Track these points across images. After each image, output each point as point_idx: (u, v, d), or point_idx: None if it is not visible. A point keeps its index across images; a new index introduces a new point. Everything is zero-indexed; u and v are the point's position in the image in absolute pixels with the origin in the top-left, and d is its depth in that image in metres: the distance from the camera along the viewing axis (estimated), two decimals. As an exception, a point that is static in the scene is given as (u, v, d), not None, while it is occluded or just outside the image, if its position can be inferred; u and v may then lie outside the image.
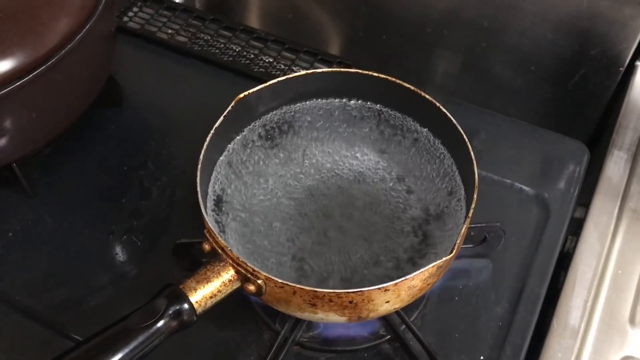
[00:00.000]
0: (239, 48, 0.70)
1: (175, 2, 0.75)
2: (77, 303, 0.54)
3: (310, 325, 0.51)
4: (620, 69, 0.67)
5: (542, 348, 0.50)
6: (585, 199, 0.60)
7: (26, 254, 0.57)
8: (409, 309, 0.51)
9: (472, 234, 0.54)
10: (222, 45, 0.71)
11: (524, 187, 0.60)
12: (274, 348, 0.48)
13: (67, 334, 0.52)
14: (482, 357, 0.50)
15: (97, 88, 0.60)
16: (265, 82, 0.52)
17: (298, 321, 0.50)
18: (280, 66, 0.69)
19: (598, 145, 0.69)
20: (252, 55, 0.70)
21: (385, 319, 0.50)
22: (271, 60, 0.69)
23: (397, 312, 0.49)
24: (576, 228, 0.58)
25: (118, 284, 0.55)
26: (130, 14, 0.74)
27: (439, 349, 0.48)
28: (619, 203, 0.58)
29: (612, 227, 0.56)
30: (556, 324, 0.51)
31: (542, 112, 0.75)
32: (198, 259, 0.51)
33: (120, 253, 0.57)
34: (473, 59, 0.75)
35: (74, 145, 0.63)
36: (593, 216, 0.57)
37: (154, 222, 0.59)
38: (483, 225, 0.53)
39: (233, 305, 0.53)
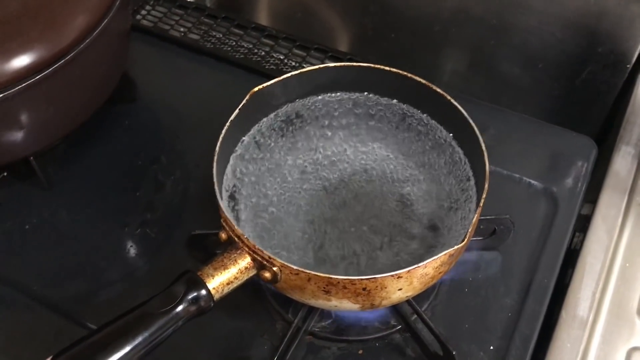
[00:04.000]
0: (251, 45, 0.72)
1: (187, 1, 0.76)
2: (92, 294, 0.55)
3: (323, 315, 0.52)
4: (628, 65, 0.68)
5: (551, 338, 0.51)
6: (592, 195, 0.60)
7: (42, 245, 0.58)
8: (419, 299, 0.52)
9: (481, 227, 0.54)
10: (234, 43, 0.72)
11: (533, 182, 0.61)
12: (287, 337, 0.49)
13: (84, 324, 0.52)
14: (491, 347, 0.51)
15: (112, 84, 0.62)
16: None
17: (310, 311, 0.51)
18: (291, 63, 0.70)
19: (606, 141, 0.69)
20: (263, 53, 0.71)
21: (396, 310, 0.51)
22: (282, 57, 0.70)
23: (408, 302, 0.50)
24: (584, 224, 0.59)
25: (132, 276, 0.56)
26: (143, 12, 0.75)
27: (449, 339, 0.49)
28: (626, 197, 0.58)
29: (619, 220, 0.57)
30: (565, 315, 0.52)
31: (550, 109, 0.76)
32: (212, 251, 0.52)
33: (134, 245, 0.58)
34: (481, 56, 0.75)
35: (89, 139, 0.64)
36: (601, 210, 0.58)
37: (168, 215, 0.60)
38: (493, 217, 0.53)
39: (247, 296, 0.53)
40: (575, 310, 0.52)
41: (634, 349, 0.50)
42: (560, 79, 0.73)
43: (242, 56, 0.70)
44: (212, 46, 0.71)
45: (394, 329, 0.52)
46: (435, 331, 0.49)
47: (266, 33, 0.72)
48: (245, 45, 0.72)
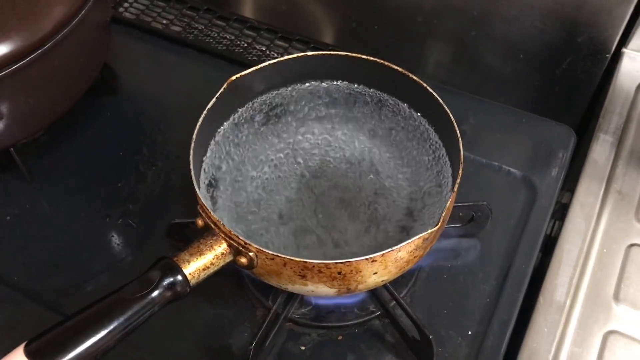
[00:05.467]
0: (233, 37, 0.72)
1: (170, -7, 0.76)
2: (74, 284, 0.55)
3: (302, 302, 0.52)
4: (607, 55, 0.68)
5: (528, 323, 0.51)
6: (571, 184, 0.61)
7: (24, 237, 0.58)
8: (398, 286, 0.53)
9: (460, 214, 0.55)
10: (216, 35, 0.72)
11: (512, 170, 0.61)
12: (266, 324, 0.49)
13: (66, 314, 0.52)
14: (470, 332, 0.51)
15: (92, 75, 0.62)
16: (258, 66, 0.53)
17: (290, 298, 0.51)
18: (273, 54, 0.70)
19: (585, 131, 0.70)
20: (245, 44, 0.71)
21: (375, 295, 0.51)
22: (264, 48, 0.71)
23: (386, 288, 0.50)
24: (562, 212, 0.59)
25: (115, 266, 0.56)
26: (126, 4, 0.75)
27: (427, 325, 0.49)
28: (604, 185, 0.59)
29: (597, 207, 0.58)
30: (542, 300, 0.52)
31: (531, 99, 0.76)
32: (192, 239, 0.52)
33: (116, 236, 0.58)
34: (463, 47, 0.76)
35: (71, 131, 0.64)
36: (579, 197, 0.58)
37: (150, 205, 0.60)
38: (470, 204, 0.54)
39: (227, 284, 0.54)
40: (553, 296, 0.52)
41: (610, 332, 0.51)
42: (541, 69, 0.73)
43: (224, 48, 0.71)
44: (194, 38, 0.72)
45: (373, 315, 0.52)
46: (413, 317, 0.49)
47: (248, 25, 0.73)
48: (228, 37, 0.72)
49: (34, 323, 0.53)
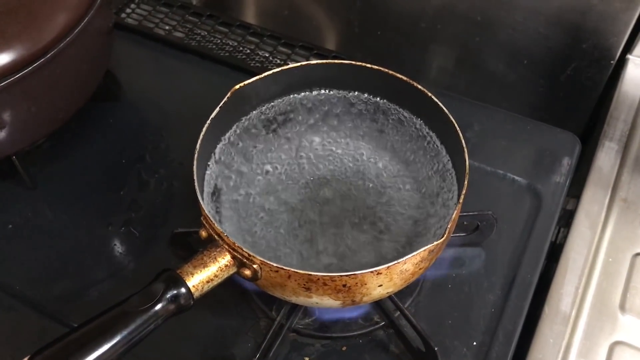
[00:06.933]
0: (236, 43, 0.71)
1: (172, -1, 0.76)
2: (76, 293, 0.55)
3: (306, 312, 0.52)
4: (612, 62, 0.68)
5: (534, 334, 0.51)
6: (576, 191, 0.61)
7: (26, 245, 0.58)
8: (403, 296, 0.52)
9: (464, 223, 0.54)
10: (219, 41, 0.72)
11: (517, 178, 0.61)
12: (270, 334, 0.49)
13: (68, 323, 0.52)
14: (475, 343, 0.51)
15: (95, 82, 0.61)
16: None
17: (294, 308, 0.51)
18: (276, 60, 0.70)
19: (590, 138, 0.69)
20: (248, 50, 0.71)
21: (379, 306, 0.51)
22: (267, 55, 0.70)
23: (391, 299, 0.50)
24: (567, 219, 0.59)
25: (117, 275, 0.56)
26: (128, 10, 0.75)
27: (432, 335, 0.49)
28: (609, 193, 0.59)
29: (602, 216, 0.57)
30: (548, 310, 0.52)
31: (535, 105, 0.76)
32: (195, 248, 0.52)
33: (118, 244, 0.58)
34: (467, 53, 0.75)
35: (73, 138, 0.64)
36: (584, 206, 0.58)
37: (152, 213, 0.59)
38: (475, 213, 0.54)
39: (230, 294, 0.53)
40: (558, 306, 0.52)
41: (616, 343, 0.50)
42: (545, 75, 0.73)
43: (227, 54, 0.70)
44: (197, 44, 0.71)
45: (377, 326, 0.52)
46: (417, 327, 0.49)
47: (251, 31, 0.72)
48: (231, 43, 0.71)
49: (36, 332, 0.53)
